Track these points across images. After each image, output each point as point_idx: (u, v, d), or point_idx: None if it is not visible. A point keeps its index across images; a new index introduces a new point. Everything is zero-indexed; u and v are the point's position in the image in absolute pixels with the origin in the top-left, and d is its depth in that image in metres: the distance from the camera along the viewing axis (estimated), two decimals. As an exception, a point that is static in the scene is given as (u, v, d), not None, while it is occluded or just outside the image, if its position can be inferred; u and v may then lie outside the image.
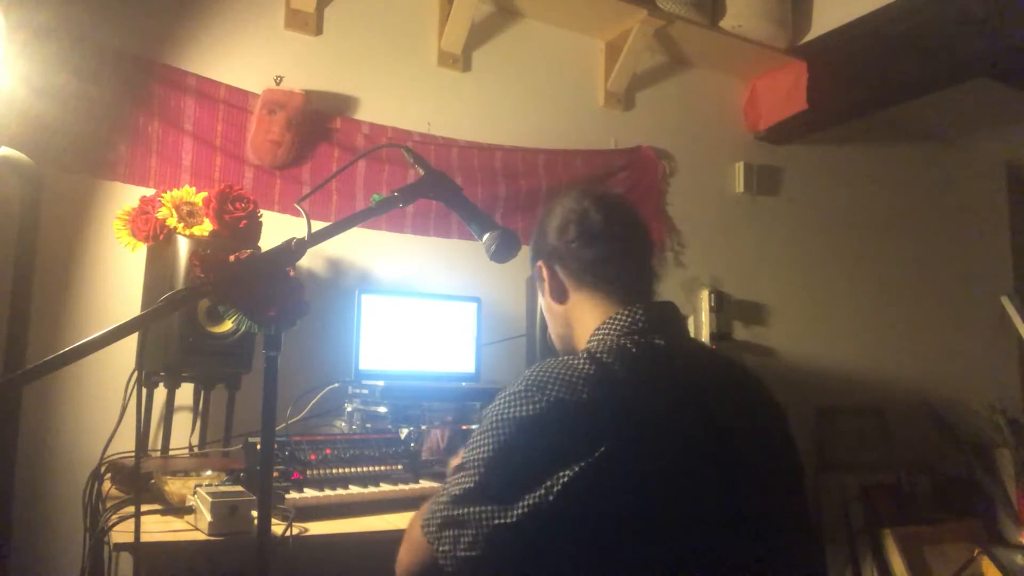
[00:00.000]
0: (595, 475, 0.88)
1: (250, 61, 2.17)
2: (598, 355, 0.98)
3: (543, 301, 1.23)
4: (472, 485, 0.92)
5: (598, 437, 0.89)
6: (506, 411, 0.94)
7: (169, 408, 1.79)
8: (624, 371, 0.96)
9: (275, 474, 1.49)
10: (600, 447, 0.88)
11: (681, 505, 0.92)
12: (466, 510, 0.91)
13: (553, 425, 0.91)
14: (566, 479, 0.87)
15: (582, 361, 0.97)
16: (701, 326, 2.85)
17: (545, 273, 1.18)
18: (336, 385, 2.01)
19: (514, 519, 0.88)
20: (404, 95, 2.41)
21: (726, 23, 2.79)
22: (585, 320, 1.13)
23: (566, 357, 0.99)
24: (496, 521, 0.89)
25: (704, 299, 2.86)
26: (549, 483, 0.88)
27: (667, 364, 1.02)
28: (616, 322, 1.07)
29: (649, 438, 0.92)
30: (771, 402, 1.13)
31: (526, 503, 0.88)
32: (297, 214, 2.13)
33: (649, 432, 0.93)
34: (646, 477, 0.90)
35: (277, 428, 1.53)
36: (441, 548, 0.92)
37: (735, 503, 0.96)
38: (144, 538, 1.25)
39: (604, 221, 1.14)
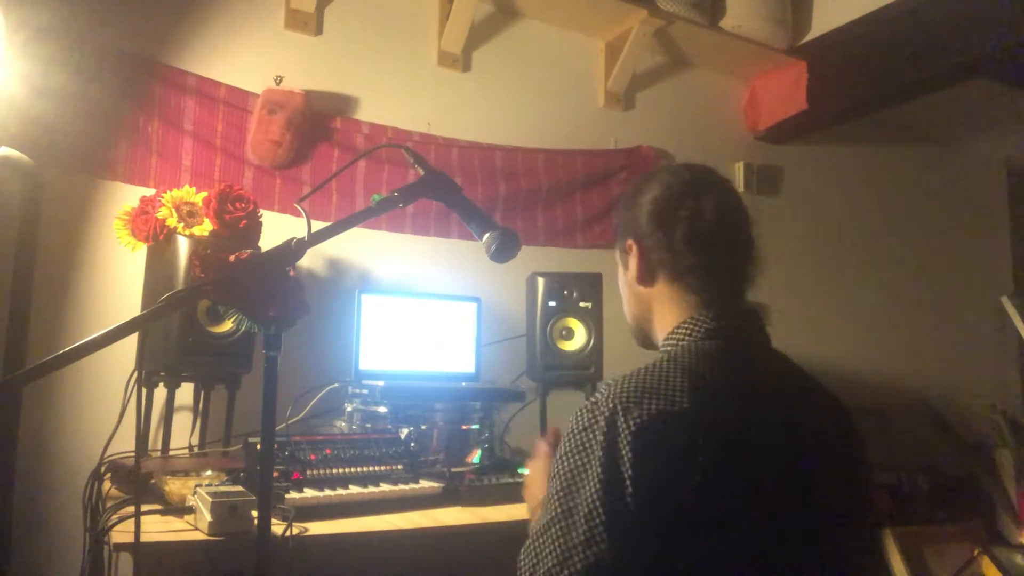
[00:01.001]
0: (703, 487, 0.85)
1: (250, 61, 2.17)
2: (686, 363, 0.95)
3: (624, 276, 1.16)
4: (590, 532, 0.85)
5: (699, 445, 0.87)
6: (602, 429, 0.89)
7: (169, 408, 1.79)
8: (713, 377, 0.94)
9: (275, 474, 1.49)
10: (701, 455, 0.86)
11: (764, 516, 0.91)
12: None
13: (659, 437, 0.87)
14: (673, 497, 0.85)
15: (671, 370, 0.94)
16: (701, 326, 2.85)
17: (636, 253, 1.11)
18: (336, 385, 2.01)
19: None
20: (404, 95, 2.41)
21: (726, 23, 2.79)
22: (667, 311, 1.09)
23: (651, 366, 0.95)
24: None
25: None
26: (650, 501, 0.85)
27: (749, 370, 1.00)
28: (699, 324, 1.04)
29: (741, 445, 0.91)
30: (844, 415, 1.12)
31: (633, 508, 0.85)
32: (297, 214, 2.13)
33: (741, 439, 0.91)
34: (738, 484, 0.89)
35: (277, 428, 1.52)
36: None
37: (806, 515, 0.95)
38: (144, 538, 1.25)
39: (717, 225, 1.07)
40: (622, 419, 0.88)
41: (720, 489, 0.86)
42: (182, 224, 1.70)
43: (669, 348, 1.05)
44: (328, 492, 1.54)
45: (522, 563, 0.88)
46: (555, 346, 2.17)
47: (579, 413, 0.93)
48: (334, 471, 1.61)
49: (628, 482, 0.85)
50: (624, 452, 0.86)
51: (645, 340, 1.17)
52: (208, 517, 1.30)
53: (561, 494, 0.88)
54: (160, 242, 1.71)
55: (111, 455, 1.59)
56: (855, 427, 1.11)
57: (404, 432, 1.80)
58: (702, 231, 1.07)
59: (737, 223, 1.12)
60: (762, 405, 0.97)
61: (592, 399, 0.94)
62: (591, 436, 0.89)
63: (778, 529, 0.91)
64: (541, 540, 0.87)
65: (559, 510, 0.87)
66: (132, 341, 1.60)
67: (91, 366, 1.69)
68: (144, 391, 1.72)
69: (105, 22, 1.96)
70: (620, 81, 2.76)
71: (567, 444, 0.92)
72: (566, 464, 0.90)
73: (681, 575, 0.86)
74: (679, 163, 1.17)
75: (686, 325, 1.05)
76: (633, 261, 1.12)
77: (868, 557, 1.06)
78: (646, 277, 1.11)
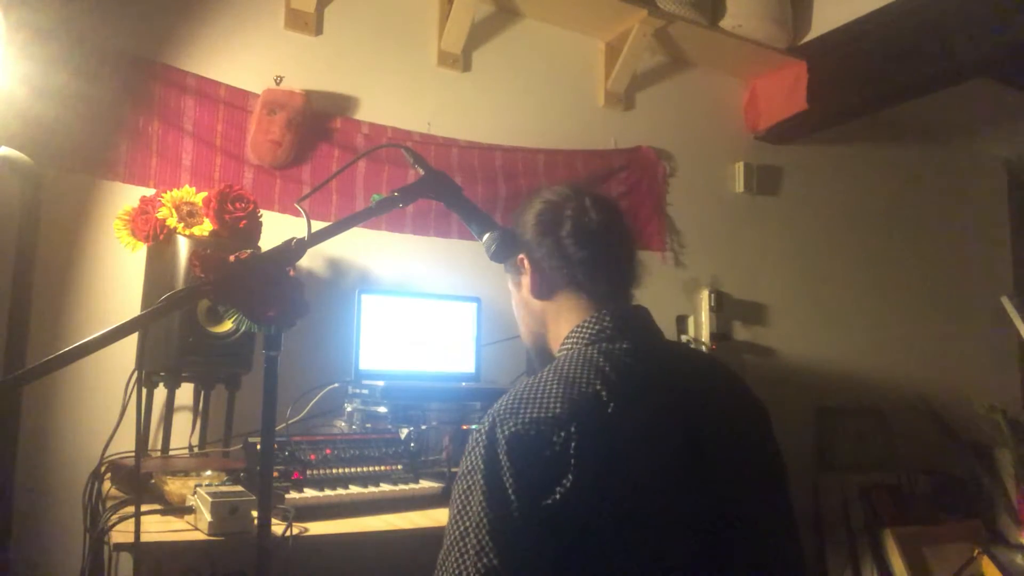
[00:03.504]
0: (576, 490, 0.87)
1: (250, 61, 2.17)
2: (564, 371, 0.98)
3: (518, 296, 1.21)
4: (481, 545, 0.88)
5: (571, 449, 0.89)
6: (484, 443, 0.92)
7: (169, 408, 1.79)
8: (590, 380, 0.96)
9: (275, 474, 1.49)
10: (573, 458, 0.88)
11: (658, 511, 0.92)
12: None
13: (533, 443, 0.90)
14: (550, 499, 0.87)
15: (549, 380, 0.97)
16: (701, 326, 2.85)
17: (528, 267, 1.15)
18: (336, 385, 2.01)
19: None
20: (404, 95, 2.41)
21: (726, 23, 2.79)
22: (561, 321, 1.13)
23: (532, 379, 0.99)
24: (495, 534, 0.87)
25: (704, 299, 2.86)
26: (530, 506, 0.87)
27: (634, 369, 1.01)
28: (584, 330, 1.07)
29: (618, 446, 0.92)
30: (750, 401, 1.12)
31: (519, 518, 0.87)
32: (297, 214, 2.13)
33: (618, 439, 0.92)
34: (622, 486, 0.90)
35: (277, 428, 1.53)
36: None
37: (713, 505, 0.96)
38: (144, 538, 1.25)
39: (600, 222, 1.12)
40: (499, 430, 0.91)
41: (597, 491, 0.88)
42: (182, 224, 1.70)
43: (561, 355, 1.07)
44: (328, 492, 1.54)
45: None
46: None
47: (470, 437, 0.96)
48: (334, 471, 1.61)
49: (510, 490, 0.87)
50: (503, 461, 0.89)
51: (543, 357, 1.19)
52: (208, 517, 1.30)
53: (456, 518, 0.90)
54: (160, 242, 1.71)
55: (111, 455, 1.59)
56: (758, 403, 1.12)
57: (404, 432, 1.80)
58: (588, 226, 1.11)
59: (618, 222, 1.16)
60: (646, 403, 0.98)
61: (480, 421, 0.97)
62: (475, 455, 0.92)
63: (673, 526, 0.92)
64: (442, 568, 0.89)
65: (455, 534, 0.89)
66: (132, 341, 1.60)
67: (91, 366, 1.69)
68: (144, 391, 1.72)
69: (105, 22, 1.96)
70: (620, 81, 2.76)
71: (459, 469, 0.95)
72: (459, 487, 0.93)
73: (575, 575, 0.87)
74: (553, 184, 1.23)
75: (574, 333, 1.08)
76: (526, 276, 1.16)
77: (789, 547, 1.06)
78: (541, 288, 1.15)
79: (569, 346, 1.08)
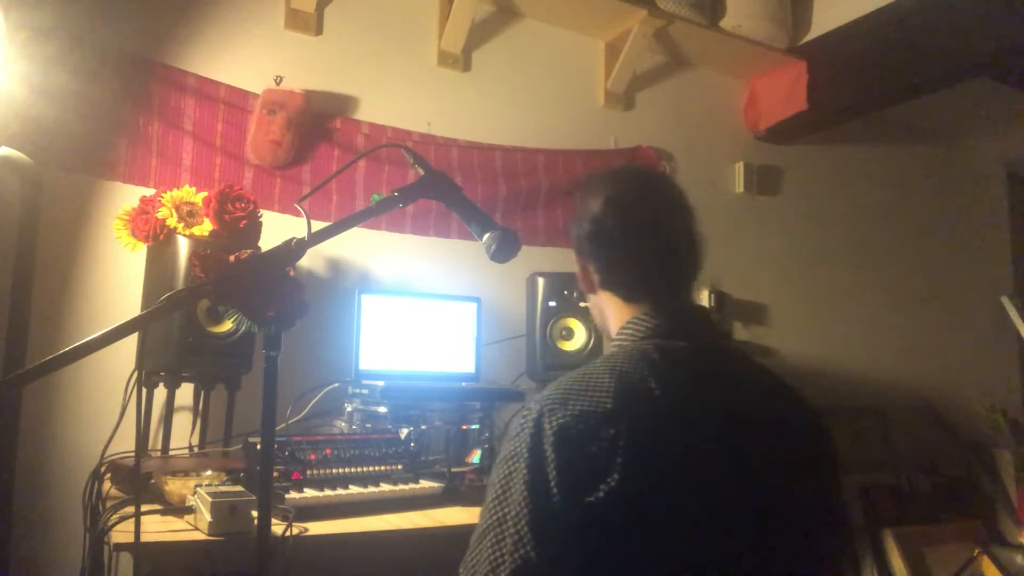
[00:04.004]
0: (620, 489, 0.85)
1: (250, 61, 2.17)
2: (617, 364, 0.96)
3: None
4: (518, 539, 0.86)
5: (620, 446, 0.87)
6: (530, 431, 0.90)
7: (169, 408, 1.79)
8: (643, 377, 0.94)
9: (275, 474, 1.49)
10: (621, 456, 0.86)
11: (700, 515, 0.90)
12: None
13: (581, 437, 0.88)
14: (594, 496, 0.85)
15: (601, 372, 0.95)
16: (701, 326, 2.85)
17: (576, 264, 1.16)
18: (336, 385, 2.01)
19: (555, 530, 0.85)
20: (404, 95, 2.41)
21: (726, 23, 2.79)
22: (615, 314, 1.11)
23: (584, 370, 0.97)
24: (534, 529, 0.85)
25: (704, 299, 2.85)
26: (573, 501, 0.85)
27: (688, 368, 0.99)
28: (639, 324, 1.05)
29: (668, 445, 0.90)
30: (802, 407, 1.09)
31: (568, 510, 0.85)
32: (297, 214, 2.13)
33: (669, 439, 0.91)
34: (666, 488, 0.88)
35: (277, 428, 1.53)
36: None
37: (756, 507, 0.93)
38: (144, 538, 1.25)
39: (618, 224, 1.08)
40: (546, 421, 0.89)
41: (642, 489, 0.86)
42: (182, 224, 1.70)
43: (614, 347, 1.06)
44: (328, 492, 1.54)
45: (461, 574, 0.89)
46: (555, 346, 2.17)
47: (514, 420, 0.95)
48: (334, 471, 1.61)
49: (552, 483, 0.85)
50: (548, 453, 0.87)
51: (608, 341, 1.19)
52: (208, 517, 1.30)
53: (494, 502, 0.89)
54: (160, 242, 1.71)
55: (111, 455, 1.59)
56: (816, 422, 1.09)
57: (404, 432, 1.80)
58: (604, 229, 1.09)
59: (648, 219, 1.11)
60: (699, 404, 0.95)
61: (527, 406, 0.94)
62: (520, 441, 0.90)
63: (716, 528, 0.90)
64: (477, 550, 0.88)
65: (493, 518, 0.87)
66: (132, 341, 1.60)
67: (91, 366, 1.69)
68: (144, 391, 1.72)
69: (105, 22, 1.96)
70: (620, 81, 2.76)
71: (501, 452, 0.93)
72: (499, 471, 0.91)
73: (608, 574, 0.86)
74: (612, 169, 1.20)
75: (629, 326, 1.06)
76: (578, 271, 1.16)
77: (827, 560, 1.03)
78: (587, 284, 1.15)
79: (624, 337, 1.06)
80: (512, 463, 0.89)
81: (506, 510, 0.87)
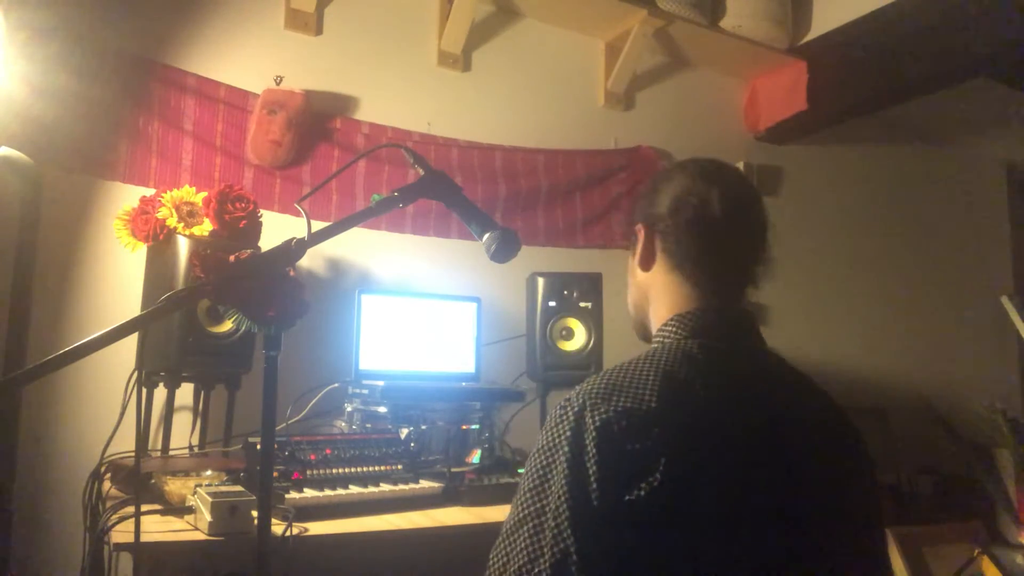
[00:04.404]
0: (661, 489, 0.85)
1: (250, 61, 2.17)
2: (662, 362, 0.95)
3: (630, 263, 1.16)
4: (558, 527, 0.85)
5: (663, 446, 0.86)
6: (571, 425, 0.89)
7: (169, 408, 1.79)
8: (688, 378, 0.94)
9: (275, 474, 1.49)
10: (664, 456, 0.86)
11: (743, 511, 0.89)
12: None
13: (624, 434, 0.87)
14: (635, 495, 0.84)
15: (646, 368, 0.94)
16: (701, 326, 2.85)
17: (642, 237, 1.11)
18: (336, 385, 2.01)
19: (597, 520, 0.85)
20: (404, 95, 2.41)
21: (726, 23, 2.79)
22: (662, 300, 1.09)
23: (629, 364, 0.96)
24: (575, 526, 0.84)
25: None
26: (613, 498, 0.85)
27: (731, 371, 0.99)
28: (685, 320, 1.04)
29: (710, 447, 0.89)
30: (837, 411, 1.09)
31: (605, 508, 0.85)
32: (297, 214, 2.13)
33: (711, 441, 0.90)
34: (707, 489, 0.87)
35: (277, 428, 1.53)
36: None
37: (796, 511, 0.93)
38: (144, 538, 1.25)
39: (723, 217, 1.05)
40: (589, 415, 0.88)
41: (683, 490, 0.85)
42: (182, 224, 1.70)
43: (655, 345, 1.04)
44: (328, 492, 1.54)
45: (492, 561, 0.87)
46: (555, 346, 2.17)
47: (554, 410, 0.93)
48: (334, 471, 1.61)
49: (593, 478, 0.84)
50: (589, 448, 0.86)
51: (644, 332, 1.16)
52: (208, 517, 1.30)
53: (532, 492, 0.87)
54: (160, 242, 1.71)
55: (111, 455, 1.59)
56: (852, 427, 1.09)
57: (404, 432, 1.81)
58: (706, 219, 1.05)
59: (747, 221, 1.09)
60: (741, 407, 0.95)
61: (567, 396, 0.93)
62: (560, 432, 0.89)
63: (755, 532, 0.89)
64: (512, 538, 0.86)
65: (531, 509, 0.86)
66: (132, 341, 1.60)
67: (91, 366, 1.69)
68: (144, 391, 1.72)
69: (105, 22, 1.96)
70: (620, 81, 2.76)
71: (540, 441, 0.92)
72: (537, 461, 0.90)
73: (647, 573, 0.85)
74: (704, 157, 1.16)
75: (674, 321, 1.04)
76: (639, 245, 1.12)
77: (869, 560, 1.03)
78: (647, 259, 1.11)
79: (668, 333, 1.04)
80: (551, 454, 0.88)
81: (545, 502, 0.85)
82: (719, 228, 1.05)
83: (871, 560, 1.03)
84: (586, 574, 0.81)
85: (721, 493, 0.88)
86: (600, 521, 0.84)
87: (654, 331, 1.09)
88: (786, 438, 0.97)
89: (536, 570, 0.82)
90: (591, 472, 0.85)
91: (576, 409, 0.89)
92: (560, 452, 0.87)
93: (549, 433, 0.90)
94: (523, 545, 0.84)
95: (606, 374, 0.94)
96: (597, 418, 0.87)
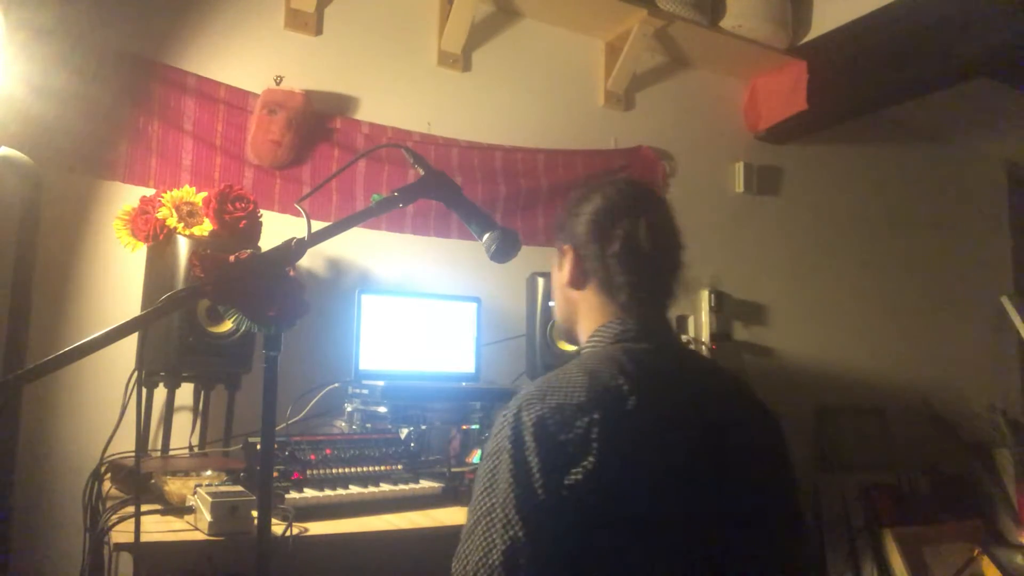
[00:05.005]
0: (597, 473, 0.92)
1: (250, 61, 2.17)
2: (589, 365, 1.03)
3: (557, 277, 1.22)
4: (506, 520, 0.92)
5: (594, 433, 0.93)
6: (510, 425, 0.96)
7: (169, 408, 1.79)
8: (613, 374, 1.01)
9: (275, 474, 1.49)
10: (596, 442, 0.93)
11: (676, 505, 0.97)
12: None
13: (557, 425, 0.94)
14: (572, 479, 0.91)
15: (574, 371, 1.02)
16: (701, 326, 2.85)
17: (570, 258, 1.18)
18: (336, 385, 2.01)
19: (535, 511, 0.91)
20: (404, 95, 2.41)
21: (726, 23, 2.79)
22: (592, 316, 1.16)
23: (559, 370, 1.04)
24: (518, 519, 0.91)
25: (704, 299, 2.86)
26: (553, 484, 0.91)
27: (655, 368, 1.06)
28: (609, 329, 1.12)
29: (639, 435, 0.97)
30: (760, 406, 1.16)
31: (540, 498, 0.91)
32: (297, 214, 2.13)
33: (639, 429, 0.97)
34: (643, 477, 0.95)
35: (277, 428, 1.53)
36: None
37: (726, 503, 1.00)
38: (144, 538, 1.25)
39: (650, 248, 1.13)
40: (525, 414, 0.96)
41: (617, 477, 0.93)
42: (182, 224, 1.70)
43: (586, 351, 1.12)
44: (328, 492, 1.54)
45: (455, 567, 0.93)
46: (555, 346, 2.17)
47: (497, 420, 1.01)
48: (334, 471, 1.61)
49: (535, 468, 0.92)
50: (528, 442, 0.93)
51: (571, 338, 1.24)
52: (208, 517, 1.30)
53: (482, 495, 0.94)
54: (160, 242, 1.71)
55: (111, 455, 1.59)
56: (771, 413, 1.16)
57: (404, 432, 1.80)
58: (635, 252, 1.13)
59: (669, 247, 1.18)
60: (667, 400, 1.03)
61: (505, 406, 1.01)
62: (502, 435, 0.96)
63: (686, 514, 0.97)
64: (469, 540, 0.92)
65: (482, 509, 0.93)
66: (132, 341, 1.60)
67: (91, 366, 1.69)
68: (144, 391, 1.72)
69: (105, 22, 1.96)
70: (620, 81, 2.76)
71: (485, 450, 0.99)
72: (484, 466, 0.97)
73: (595, 556, 0.92)
74: (625, 179, 1.23)
75: (601, 331, 1.13)
76: (567, 265, 1.18)
77: (795, 545, 1.10)
78: (578, 281, 1.18)
79: (595, 343, 1.13)
80: (496, 457, 0.95)
81: (494, 499, 0.92)
82: (646, 260, 1.13)
83: (792, 555, 1.09)
84: (536, 559, 0.88)
85: (652, 476, 0.96)
86: (545, 508, 0.91)
87: (583, 341, 1.17)
88: (712, 427, 1.04)
89: (490, 561, 0.88)
90: (532, 462, 0.92)
91: (514, 412, 0.98)
92: (503, 452, 0.95)
93: (493, 440, 0.98)
94: (478, 543, 0.91)
95: (539, 381, 1.03)
96: (533, 415, 0.95)
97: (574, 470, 0.91)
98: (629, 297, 1.13)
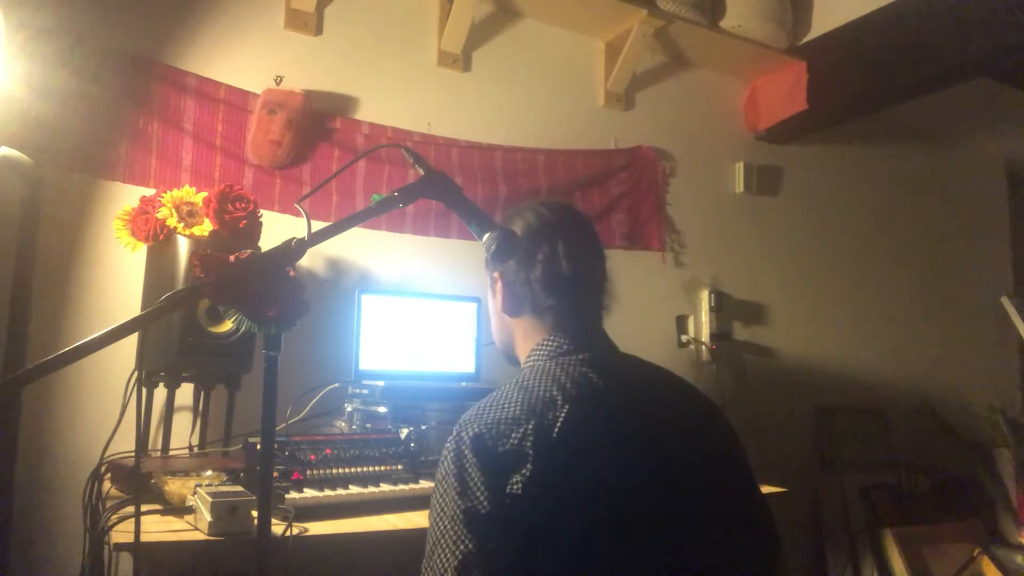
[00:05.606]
0: (535, 481, 0.93)
1: (250, 61, 2.17)
2: (524, 382, 1.07)
3: (491, 304, 1.28)
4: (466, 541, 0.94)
5: (529, 442, 0.96)
6: (452, 448, 1.00)
7: (169, 408, 1.79)
8: (547, 386, 1.04)
9: (275, 474, 1.49)
10: (532, 449, 0.95)
11: (623, 509, 0.97)
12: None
13: (493, 439, 0.97)
14: (513, 488, 0.93)
15: (510, 389, 1.06)
16: (701, 326, 2.85)
17: (500, 287, 1.23)
18: (336, 385, 2.01)
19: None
20: (404, 95, 2.41)
21: (726, 23, 2.79)
22: (529, 337, 1.20)
23: (496, 391, 1.07)
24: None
25: (704, 299, 2.86)
26: (496, 494, 0.93)
27: (591, 377, 1.07)
28: (544, 347, 1.16)
29: (574, 442, 0.98)
30: (703, 401, 1.18)
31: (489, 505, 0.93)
32: (297, 214, 2.13)
33: (575, 437, 0.98)
34: (584, 483, 0.96)
35: (277, 428, 1.53)
36: None
37: (678, 505, 1.01)
38: (144, 538, 1.25)
39: (571, 270, 1.17)
40: (465, 432, 1.00)
41: (557, 484, 0.94)
42: (182, 224, 1.70)
43: (524, 369, 1.15)
44: (328, 492, 1.54)
45: None
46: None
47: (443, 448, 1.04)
48: (334, 471, 1.60)
49: (478, 482, 0.94)
50: (469, 457, 0.97)
51: (511, 360, 1.28)
52: (208, 517, 1.30)
53: (436, 519, 0.96)
54: (160, 242, 1.71)
55: (111, 455, 1.59)
56: (724, 419, 1.17)
57: (404, 432, 1.80)
58: (556, 276, 1.17)
59: (591, 265, 1.22)
60: (605, 408, 1.04)
61: (448, 434, 1.04)
62: (446, 460, 1.00)
63: (633, 515, 0.97)
64: (428, 564, 0.95)
65: (436, 533, 0.95)
66: (132, 341, 1.60)
67: (91, 366, 1.69)
68: (144, 391, 1.72)
69: (105, 22, 1.96)
70: (620, 81, 2.76)
71: (436, 475, 1.01)
72: (436, 492, 1.00)
73: (546, 562, 0.93)
74: (542, 201, 1.28)
75: (538, 349, 1.17)
76: (498, 292, 1.23)
77: (757, 544, 1.09)
78: (510, 308, 1.22)
79: (532, 361, 1.16)
80: (444, 482, 0.98)
81: (445, 522, 0.95)
82: (568, 282, 1.17)
83: (754, 556, 1.08)
84: (488, 570, 0.89)
85: (594, 476, 0.97)
86: (492, 519, 0.92)
87: (522, 361, 1.21)
88: (655, 430, 1.06)
89: None
90: (475, 477, 0.95)
91: (455, 435, 1.02)
92: (449, 474, 0.98)
93: (440, 465, 1.01)
94: (437, 563, 0.93)
95: (477, 404, 1.07)
96: (471, 432, 0.99)
97: (513, 479, 0.93)
98: (557, 317, 1.17)
